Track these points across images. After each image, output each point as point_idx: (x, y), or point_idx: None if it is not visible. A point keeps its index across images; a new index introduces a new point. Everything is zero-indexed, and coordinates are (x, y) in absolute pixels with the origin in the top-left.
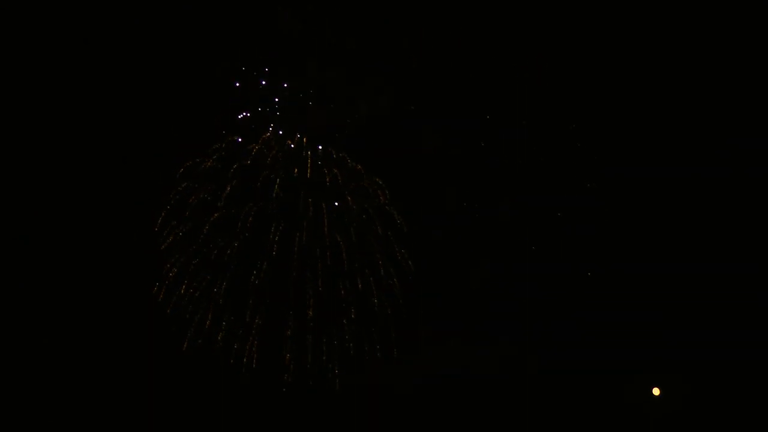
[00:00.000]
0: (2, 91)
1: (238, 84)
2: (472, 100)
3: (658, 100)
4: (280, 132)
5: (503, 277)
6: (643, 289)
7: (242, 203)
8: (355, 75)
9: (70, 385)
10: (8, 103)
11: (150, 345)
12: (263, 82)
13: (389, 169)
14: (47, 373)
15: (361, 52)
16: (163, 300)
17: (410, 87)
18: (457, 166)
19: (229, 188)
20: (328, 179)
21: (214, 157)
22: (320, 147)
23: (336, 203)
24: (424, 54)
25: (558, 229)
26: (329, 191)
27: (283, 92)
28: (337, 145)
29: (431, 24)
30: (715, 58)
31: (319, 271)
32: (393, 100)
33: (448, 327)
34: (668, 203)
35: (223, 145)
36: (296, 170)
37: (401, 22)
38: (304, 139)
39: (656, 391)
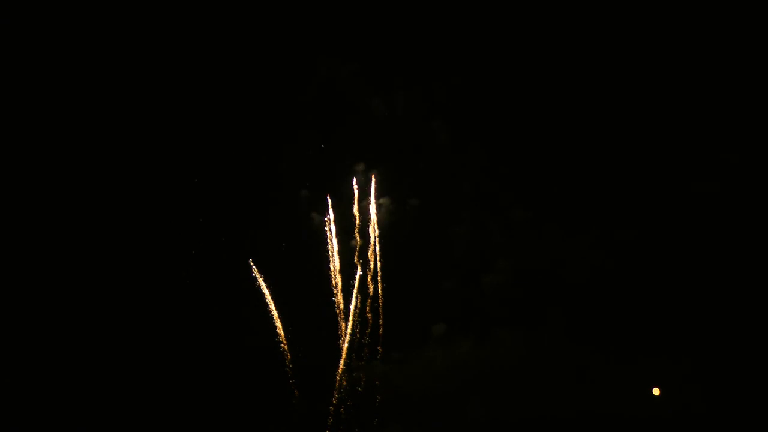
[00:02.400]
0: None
1: None
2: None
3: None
4: None
5: (514, 277)
6: (643, 290)
7: None
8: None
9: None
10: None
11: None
12: None
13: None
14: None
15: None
16: None
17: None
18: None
19: None
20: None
21: None
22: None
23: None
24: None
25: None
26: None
27: None
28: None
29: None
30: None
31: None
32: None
33: (459, 328)
34: (671, 206)
35: None
36: None
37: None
38: None
39: (656, 391)
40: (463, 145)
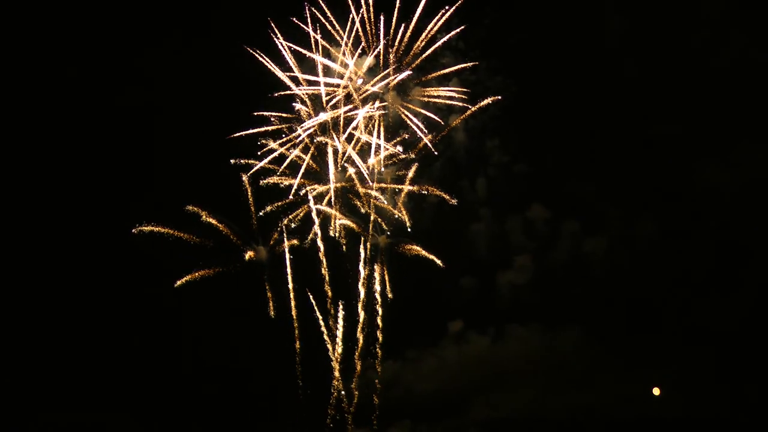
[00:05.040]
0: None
1: None
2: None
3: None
4: None
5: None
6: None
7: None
8: None
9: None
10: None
11: None
12: None
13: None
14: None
15: None
16: None
17: None
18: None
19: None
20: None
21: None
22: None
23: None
24: None
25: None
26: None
27: None
28: None
29: None
30: None
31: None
32: None
33: (475, 325)
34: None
35: None
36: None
37: None
38: None
39: (656, 391)
40: (481, 143)
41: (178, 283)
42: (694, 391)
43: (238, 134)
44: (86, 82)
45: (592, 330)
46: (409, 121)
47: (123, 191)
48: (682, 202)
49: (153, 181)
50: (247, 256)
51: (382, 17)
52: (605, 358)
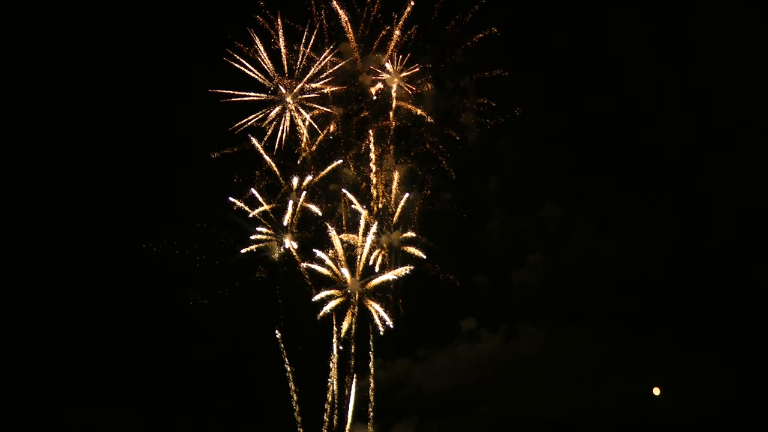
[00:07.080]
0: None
1: None
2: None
3: None
4: None
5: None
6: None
7: None
8: None
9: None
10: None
11: None
12: None
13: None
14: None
15: None
16: None
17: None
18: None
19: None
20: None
21: None
22: None
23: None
24: None
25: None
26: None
27: None
28: None
29: None
30: None
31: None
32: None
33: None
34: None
35: None
36: None
37: None
38: None
39: (656, 391)
40: (493, 141)
41: (191, 301)
42: (694, 391)
43: (233, 148)
44: (93, 92)
45: (602, 329)
46: (426, 143)
47: (135, 207)
48: (693, 201)
49: (163, 197)
50: (257, 273)
51: (394, 17)
52: (612, 358)
